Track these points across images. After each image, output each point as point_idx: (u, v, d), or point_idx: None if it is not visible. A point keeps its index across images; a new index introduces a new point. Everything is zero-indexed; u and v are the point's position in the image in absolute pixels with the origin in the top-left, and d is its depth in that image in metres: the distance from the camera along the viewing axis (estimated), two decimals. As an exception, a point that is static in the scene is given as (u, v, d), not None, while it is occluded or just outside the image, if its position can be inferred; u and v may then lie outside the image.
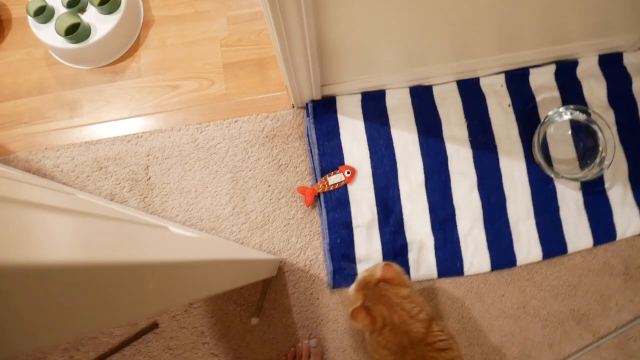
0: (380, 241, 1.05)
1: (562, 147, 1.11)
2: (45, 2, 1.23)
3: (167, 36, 1.29)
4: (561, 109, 1.10)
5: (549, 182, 1.10)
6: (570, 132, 1.12)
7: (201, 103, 1.23)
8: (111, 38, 1.23)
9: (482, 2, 0.86)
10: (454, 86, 1.15)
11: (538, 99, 1.14)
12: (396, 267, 0.84)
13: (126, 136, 1.22)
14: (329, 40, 0.88)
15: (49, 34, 1.22)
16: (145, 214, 1.01)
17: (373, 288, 0.81)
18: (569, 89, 1.15)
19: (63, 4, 1.24)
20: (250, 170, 1.16)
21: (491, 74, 1.16)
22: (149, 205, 1.16)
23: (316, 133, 1.11)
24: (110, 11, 1.22)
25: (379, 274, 0.83)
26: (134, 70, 1.28)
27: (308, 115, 1.14)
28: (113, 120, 1.24)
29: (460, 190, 1.09)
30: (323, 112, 1.13)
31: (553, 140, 1.12)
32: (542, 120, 1.09)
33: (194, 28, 1.28)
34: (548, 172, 1.08)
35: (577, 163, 1.11)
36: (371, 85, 1.13)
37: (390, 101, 1.14)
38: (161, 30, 1.29)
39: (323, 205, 1.08)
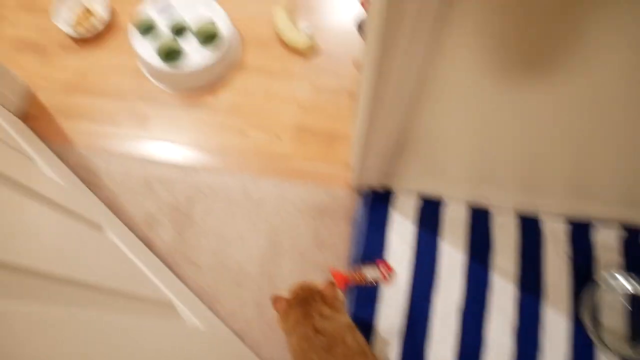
0: (399, 353, 1.01)
1: (614, 315, 1.07)
2: (153, 22, 1.32)
3: (251, 84, 1.35)
4: (620, 276, 1.07)
5: (591, 346, 1.04)
6: (624, 301, 1.08)
7: (263, 156, 1.26)
8: (203, 71, 1.30)
9: (565, 143, 0.86)
10: (514, 218, 1.14)
11: (598, 257, 1.11)
12: (338, 293, 0.88)
13: (182, 165, 1.25)
14: (411, 134, 0.89)
15: (147, 51, 1.30)
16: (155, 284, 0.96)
17: (305, 293, 0.85)
18: (634, 256, 1.11)
19: (169, 28, 1.32)
20: (290, 237, 1.16)
21: (554, 216, 1.14)
22: (182, 239, 1.17)
23: (366, 222, 1.11)
24: (210, 46, 1.29)
25: (321, 286, 0.88)
26: (211, 105, 1.33)
27: (363, 202, 1.14)
28: (175, 145, 1.28)
29: (494, 327, 1.05)
30: (378, 203, 1.13)
31: (606, 305, 1.07)
32: (597, 279, 1.06)
33: (279, 84, 1.34)
34: (592, 335, 1.03)
35: (627, 338, 1.05)
36: (432, 190, 1.13)
37: (447, 213, 1.14)
38: (248, 76, 1.36)
39: (351, 297, 1.05)
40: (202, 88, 1.35)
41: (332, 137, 1.28)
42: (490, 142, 0.90)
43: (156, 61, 1.29)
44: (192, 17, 1.33)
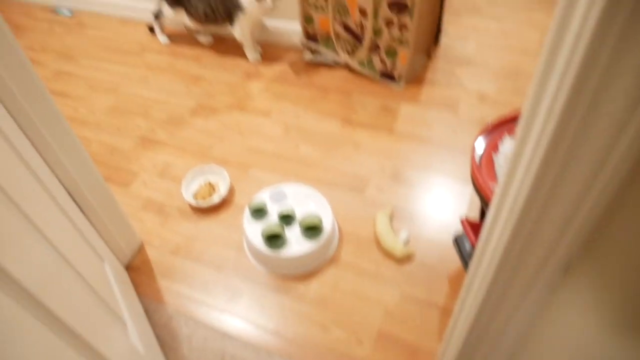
0: None
1: None
2: (265, 207, 1.46)
3: (342, 280, 1.38)
4: None
5: None
6: None
7: (340, 356, 1.23)
8: (299, 260, 1.37)
9: None
10: None
11: None
12: None
13: (259, 346, 1.25)
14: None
15: (253, 231, 1.41)
16: None
17: None
18: None
19: (278, 214, 1.45)
20: None
21: None
22: None
23: None
24: (311, 238, 1.39)
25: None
26: (299, 293, 1.37)
27: None
28: (257, 326, 1.30)
29: None
30: None
31: None
32: None
33: (369, 286, 1.37)
34: None
35: None
36: None
37: None
38: (340, 272, 1.40)
39: None
40: (295, 274, 1.41)
41: (415, 351, 1.24)
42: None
43: (259, 242, 1.39)
44: (301, 209, 1.46)
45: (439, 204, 1.54)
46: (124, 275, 1.40)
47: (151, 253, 1.53)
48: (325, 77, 2.06)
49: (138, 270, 1.48)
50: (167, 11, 2.15)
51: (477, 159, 1.18)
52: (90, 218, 1.29)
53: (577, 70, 0.36)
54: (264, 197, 1.52)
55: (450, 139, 1.73)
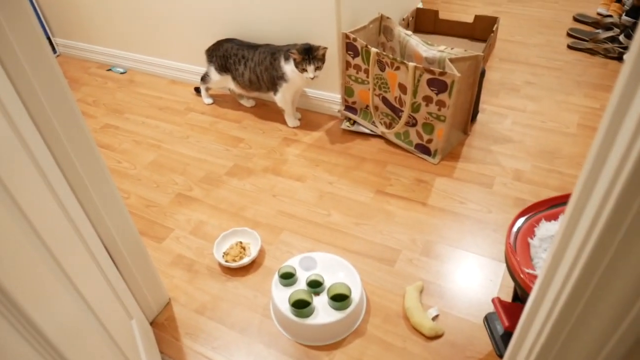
0: None
1: None
2: (295, 273, 1.47)
3: (366, 352, 1.36)
4: None
5: None
6: None
7: None
8: (324, 328, 1.36)
9: None
10: None
11: None
12: None
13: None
14: None
15: (280, 296, 1.42)
16: None
17: None
18: None
19: (306, 281, 1.45)
20: None
21: None
22: None
23: None
24: (338, 308, 1.38)
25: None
26: (323, 365, 1.35)
27: None
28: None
29: None
30: None
31: None
32: None
33: (396, 364, 1.33)
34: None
35: None
36: None
37: None
38: (365, 343, 1.38)
39: None
40: (319, 344, 1.39)
41: None
42: None
43: (286, 308, 1.39)
44: (330, 277, 1.46)
45: (470, 281, 1.52)
46: (150, 332, 1.41)
47: (177, 310, 1.54)
48: (361, 146, 2.12)
49: (162, 328, 1.49)
50: (214, 75, 2.28)
51: (512, 241, 1.18)
52: (123, 272, 1.32)
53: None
54: (293, 263, 1.53)
55: (484, 216, 1.73)
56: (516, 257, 1.13)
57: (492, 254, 1.59)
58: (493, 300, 1.31)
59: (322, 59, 1.97)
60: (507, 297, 1.43)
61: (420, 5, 2.96)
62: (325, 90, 2.28)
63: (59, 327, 0.57)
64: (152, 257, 1.67)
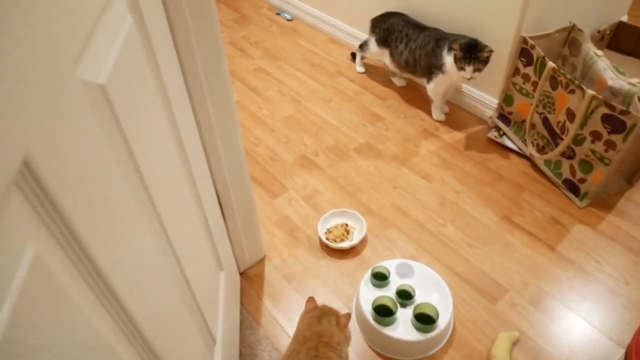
0: None
1: None
2: (388, 277, 1.44)
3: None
4: None
5: None
6: None
7: None
8: (400, 344, 1.33)
9: None
10: None
11: None
12: (348, 323, 1.13)
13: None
14: None
15: (366, 296, 1.40)
16: None
17: (328, 309, 1.15)
18: None
19: (397, 288, 1.41)
20: None
21: None
22: None
23: None
24: (420, 330, 1.32)
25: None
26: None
27: None
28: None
29: None
30: None
31: None
32: None
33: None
34: None
35: None
36: None
37: None
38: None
39: None
40: (389, 357, 1.36)
41: None
42: None
43: (367, 308, 1.37)
44: (422, 293, 1.40)
45: (575, 354, 1.35)
46: (237, 283, 1.49)
47: (268, 269, 1.61)
48: (502, 162, 1.96)
49: (250, 281, 1.56)
50: (373, 46, 2.23)
51: (640, 340, 1.01)
52: (227, 219, 1.39)
53: None
54: (390, 265, 1.49)
55: (618, 286, 1.51)
56: None
57: (613, 333, 1.40)
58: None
59: (485, 61, 1.82)
60: (613, 390, 1.25)
61: (624, 19, 2.57)
62: (483, 90, 2.12)
63: (123, 269, 0.52)
64: (260, 211, 1.75)
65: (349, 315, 1.13)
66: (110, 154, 0.52)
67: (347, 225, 1.70)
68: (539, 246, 1.64)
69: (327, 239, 1.65)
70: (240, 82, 2.45)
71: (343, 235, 1.67)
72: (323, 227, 1.69)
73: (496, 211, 1.76)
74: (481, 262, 1.60)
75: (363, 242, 1.67)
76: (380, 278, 1.45)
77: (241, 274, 1.59)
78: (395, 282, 1.46)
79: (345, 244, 1.63)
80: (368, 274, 1.47)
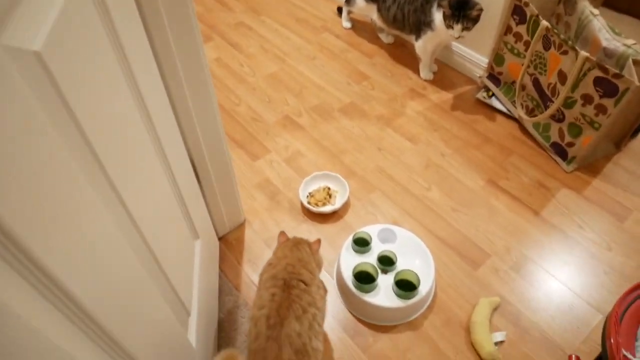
0: None
1: None
2: (370, 242, 1.41)
3: (412, 348, 1.31)
4: None
5: None
6: None
7: None
8: (380, 310, 1.32)
9: None
10: None
11: None
12: (319, 248, 1.22)
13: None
14: None
15: (347, 262, 1.38)
16: None
17: (299, 239, 1.20)
18: None
19: (378, 254, 1.39)
20: None
21: None
22: None
23: None
24: (401, 297, 1.31)
25: (312, 239, 1.23)
26: (366, 342, 1.32)
27: None
28: None
29: None
30: None
31: None
32: None
33: (439, 375, 1.27)
34: None
35: None
36: None
37: None
38: (414, 339, 1.32)
39: None
40: (368, 321, 1.35)
41: None
42: None
43: (347, 274, 1.36)
44: (404, 260, 1.39)
45: (555, 319, 1.36)
46: (215, 250, 1.46)
47: (248, 234, 1.58)
48: (490, 124, 1.91)
49: (230, 246, 1.53)
50: (360, 0, 2.13)
51: (621, 311, 1.00)
52: (204, 185, 1.34)
53: None
54: (372, 230, 1.46)
55: (601, 252, 1.51)
56: (618, 330, 0.96)
57: (593, 299, 1.40)
58: (570, 358, 1.17)
59: (475, 20, 1.74)
60: (589, 357, 1.26)
61: (623, -26, 2.47)
62: (473, 49, 2.04)
63: (60, 249, 0.47)
64: (240, 174, 1.70)
65: (319, 241, 1.22)
66: (49, 122, 0.47)
67: (329, 188, 1.66)
68: (523, 210, 1.62)
69: (309, 202, 1.62)
70: (220, 38, 2.35)
71: (325, 199, 1.63)
72: (305, 191, 1.66)
73: (482, 174, 1.73)
74: (465, 226, 1.58)
75: (346, 206, 1.64)
76: (362, 244, 1.43)
77: (220, 238, 1.56)
78: (377, 248, 1.43)
79: (327, 208, 1.60)
80: (350, 240, 1.44)
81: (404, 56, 2.22)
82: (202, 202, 1.29)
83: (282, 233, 1.23)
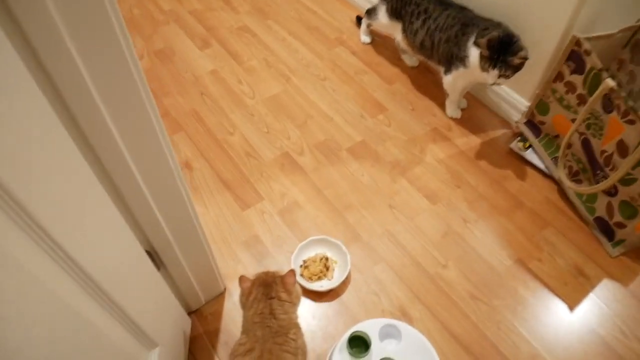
0: None
1: None
2: (370, 344, 1.16)
3: None
4: None
5: None
6: None
7: None
8: None
9: None
10: None
11: None
12: (295, 281, 1.06)
13: None
14: None
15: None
16: None
17: (268, 278, 1.05)
18: None
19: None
20: None
21: None
22: None
23: None
24: None
25: (282, 273, 1.07)
26: None
27: None
28: None
29: None
30: None
31: None
32: None
33: None
34: None
35: None
36: None
37: None
38: None
39: None
40: None
41: None
42: None
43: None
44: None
45: None
46: (186, 330, 1.21)
47: (227, 306, 1.34)
48: (523, 184, 1.62)
49: (204, 322, 1.30)
50: (382, 16, 1.82)
51: None
52: (169, 268, 1.09)
53: None
54: (372, 328, 1.21)
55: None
56: None
57: None
58: None
59: (516, 69, 1.44)
60: None
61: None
62: (513, 87, 1.74)
63: None
64: (226, 226, 1.45)
65: (293, 272, 1.06)
66: None
67: (327, 259, 1.40)
68: (555, 305, 1.35)
69: (302, 275, 1.36)
70: (219, 44, 2.04)
71: (321, 272, 1.37)
72: (298, 258, 1.40)
73: (510, 251, 1.46)
74: (484, 321, 1.32)
75: (345, 281, 1.38)
76: (358, 345, 1.18)
77: (196, 312, 1.32)
78: (377, 350, 1.18)
79: (323, 285, 1.34)
80: (344, 340, 1.19)
81: (429, 85, 1.91)
82: (163, 296, 1.04)
83: (243, 278, 1.05)
